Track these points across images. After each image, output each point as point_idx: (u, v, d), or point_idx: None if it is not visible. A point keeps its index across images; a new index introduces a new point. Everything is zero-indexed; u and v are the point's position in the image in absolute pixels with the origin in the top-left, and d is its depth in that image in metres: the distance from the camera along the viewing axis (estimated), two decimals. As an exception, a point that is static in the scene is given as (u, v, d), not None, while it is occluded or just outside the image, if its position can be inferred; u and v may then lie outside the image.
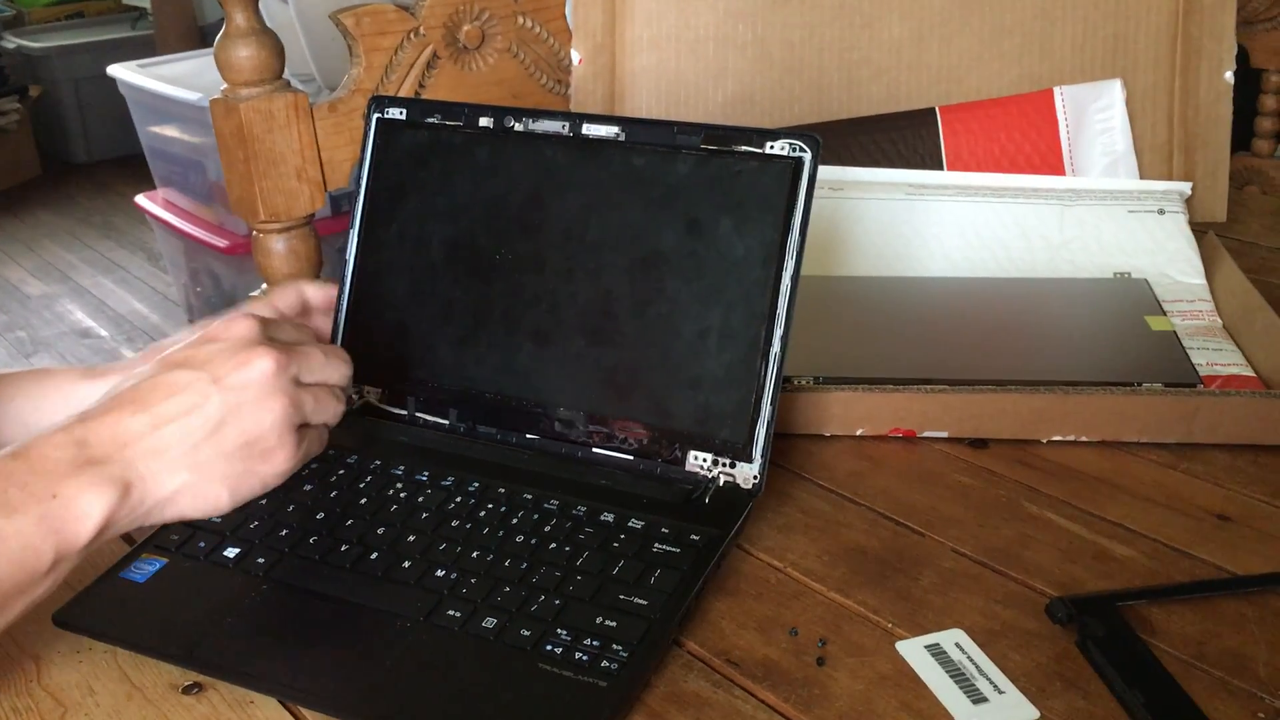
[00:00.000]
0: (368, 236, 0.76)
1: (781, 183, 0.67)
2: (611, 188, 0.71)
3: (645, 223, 0.70)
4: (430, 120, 0.75)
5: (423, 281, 0.75)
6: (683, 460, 0.68)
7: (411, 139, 0.76)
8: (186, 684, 0.57)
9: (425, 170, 0.75)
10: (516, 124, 0.73)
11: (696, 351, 0.68)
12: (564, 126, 0.72)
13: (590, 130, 0.71)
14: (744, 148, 0.68)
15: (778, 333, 0.66)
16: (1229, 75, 1.02)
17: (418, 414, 0.74)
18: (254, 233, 0.96)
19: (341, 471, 0.70)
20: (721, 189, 0.68)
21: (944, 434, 0.76)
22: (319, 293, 0.76)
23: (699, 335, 0.68)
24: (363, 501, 0.67)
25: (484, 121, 0.74)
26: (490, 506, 0.66)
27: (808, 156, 0.67)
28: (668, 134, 0.70)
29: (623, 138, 0.71)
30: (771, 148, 0.67)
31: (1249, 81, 1.19)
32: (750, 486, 0.66)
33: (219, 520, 0.66)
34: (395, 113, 0.76)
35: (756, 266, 0.67)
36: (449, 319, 0.74)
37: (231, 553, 0.64)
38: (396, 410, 0.75)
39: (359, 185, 0.77)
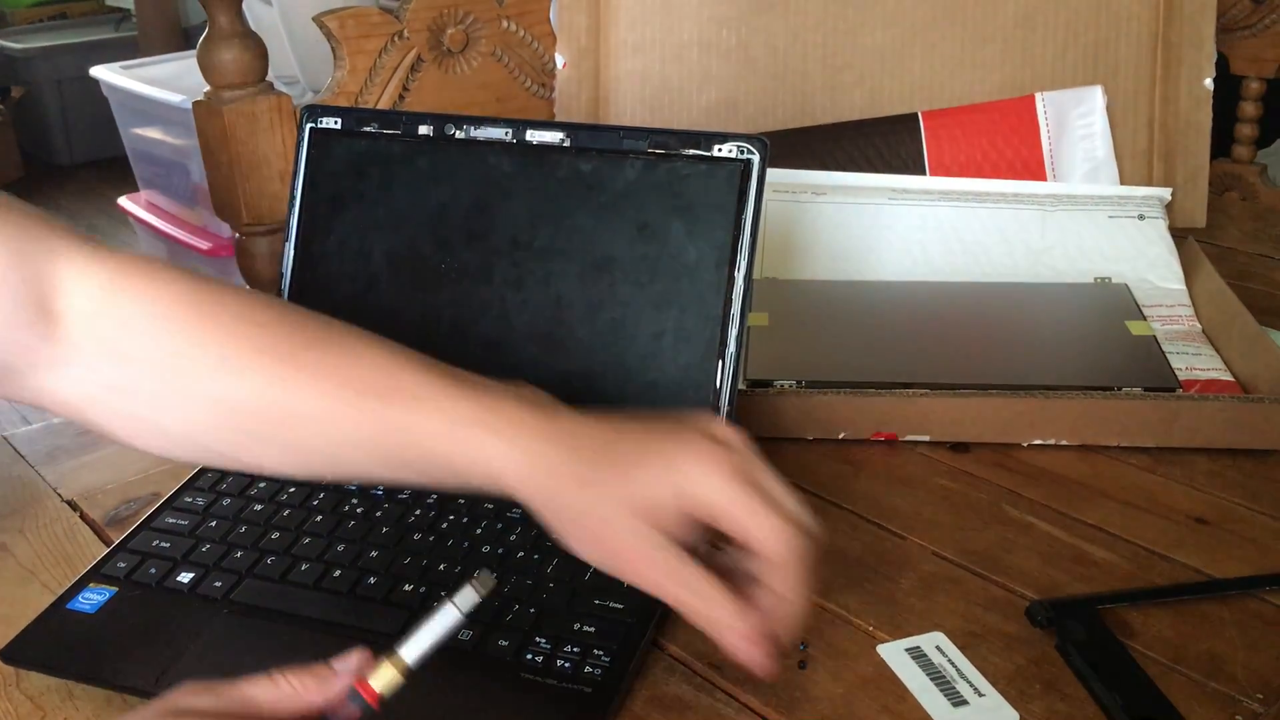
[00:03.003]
0: (305, 250, 0.74)
1: (731, 185, 0.67)
2: (559, 194, 0.70)
3: (595, 228, 0.69)
4: (367, 129, 0.74)
5: (365, 294, 0.73)
6: None
7: (348, 149, 0.74)
8: (167, 688, 0.57)
9: (364, 180, 0.74)
10: (458, 131, 0.72)
11: (652, 355, 0.68)
12: (507, 133, 0.71)
13: (534, 136, 0.71)
14: (692, 151, 0.68)
15: (733, 333, 0.66)
16: (1209, 82, 1.03)
17: None
18: (237, 236, 0.96)
19: (292, 489, 0.68)
20: (671, 193, 0.68)
21: (925, 438, 0.77)
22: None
23: (654, 339, 0.68)
24: (318, 519, 0.66)
25: (424, 130, 0.73)
26: (451, 518, 0.65)
27: (756, 159, 0.67)
28: (614, 139, 0.70)
29: (568, 144, 0.70)
30: (719, 151, 0.67)
31: (1229, 88, 1.20)
32: None
33: (167, 545, 0.65)
34: (329, 122, 0.74)
35: (709, 269, 0.67)
36: (394, 331, 0.71)
37: (185, 578, 0.62)
38: None
39: (292, 198, 0.75)
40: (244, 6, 0.90)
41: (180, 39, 3.66)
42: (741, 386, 0.74)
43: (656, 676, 0.57)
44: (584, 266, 0.69)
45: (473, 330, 0.71)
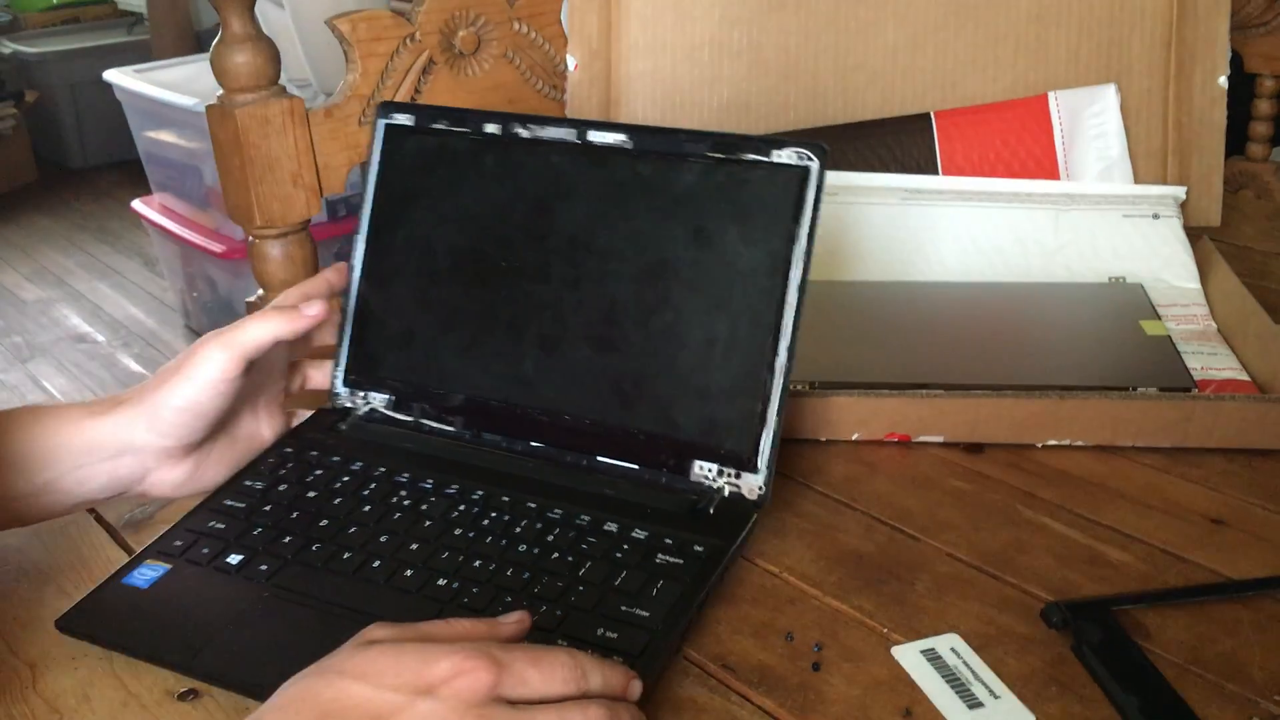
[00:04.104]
0: (374, 243, 0.76)
1: (789, 192, 0.67)
2: (618, 195, 0.70)
3: (652, 231, 0.69)
4: (437, 126, 0.75)
5: (429, 288, 0.75)
6: (688, 470, 0.68)
7: (418, 145, 0.76)
8: (182, 690, 0.57)
9: (432, 177, 0.75)
10: (523, 130, 0.73)
11: (702, 361, 0.68)
12: (571, 133, 0.72)
13: (597, 137, 0.71)
14: (751, 156, 0.68)
15: (784, 343, 0.66)
16: (1223, 80, 1.03)
17: (423, 421, 0.74)
18: (250, 238, 0.96)
19: (346, 478, 0.70)
20: (728, 198, 0.68)
21: (939, 438, 0.76)
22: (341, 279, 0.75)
23: (705, 345, 0.68)
24: (366, 509, 0.67)
25: (490, 128, 0.74)
26: (494, 515, 0.66)
27: (815, 165, 0.66)
28: (675, 142, 0.70)
29: (630, 145, 0.71)
30: (779, 156, 0.67)
31: (1243, 86, 1.19)
32: (755, 497, 0.66)
33: (222, 526, 0.66)
34: (403, 119, 0.76)
35: (763, 276, 0.67)
36: (455, 326, 0.74)
37: (234, 559, 0.64)
38: (403, 417, 0.75)
39: (366, 191, 0.76)
40: (256, 10, 0.91)
41: (193, 42, 3.67)
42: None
43: (670, 679, 0.57)
44: (640, 269, 0.69)
45: (529, 328, 0.72)
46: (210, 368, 0.65)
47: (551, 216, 0.72)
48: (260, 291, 0.97)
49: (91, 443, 0.64)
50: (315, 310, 0.68)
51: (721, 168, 0.68)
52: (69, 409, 0.65)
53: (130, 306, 3.04)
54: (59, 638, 0.61)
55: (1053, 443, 0.76)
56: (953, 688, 0.56)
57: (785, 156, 0.67)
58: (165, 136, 2.40)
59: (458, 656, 0.47)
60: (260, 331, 0.66)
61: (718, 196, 0.68)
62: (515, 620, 0.53)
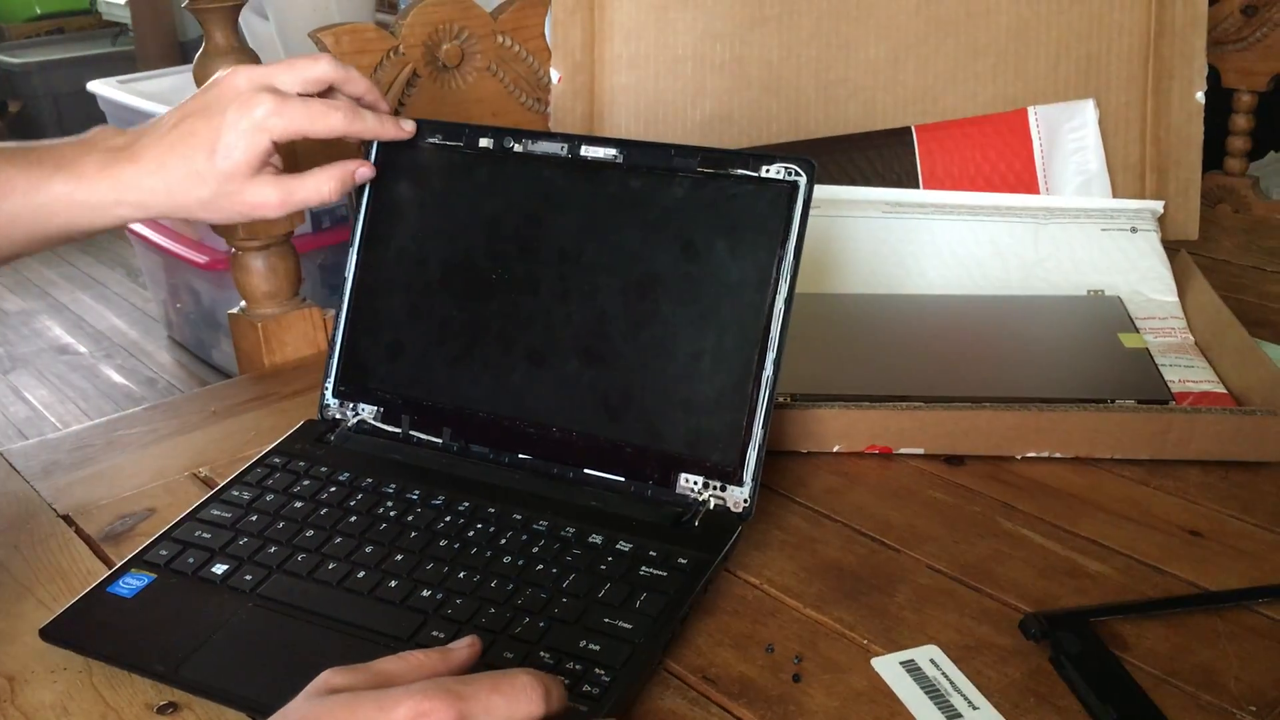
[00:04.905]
0: (367, 254, 0.77)
1: (777, 207, 0.67)
2: (608, 209, 0.71)
3: (641, 245, 0.70)
4: (431, 140, 0.76)
5: (420, 300, 0.75)
6: (673, 483, 0.68)
7: (412, 158, 0.76)
8: (162, 704, 0.57)
9: (425, 190, 0.76)
10: (516, 145, 0.74)
11: (689, 374, 0.68)
12: (562, 148, 0.73)
13: (588, 152, 0.72)
14: (740, 171, 0.68)
15: (770, 356, 0.66)
16: (1200, 95, 1.04)
17: (412, 432, 0.75)
18: (232, 250, 0.96)
19: (333, 489, 0.70)
20: (717, 212, 0.68)
21: (920, 451, 0.77)
22: (338, 72, 0.73)
23: (692, 358, 0.68)
24: (352, 520, 0.67)
25: (484, 142, 0.75)
26: (479, 526, 0.66)
27: (802, 181, 0.67)
28: (665, 156, 0.70)
29: (620, 160, 0.71)
30: (767, 172, 0.68)
31: (1220, 101, 1.20)
32: (740, 510, 0.66)
33: (208, 536, 0.66)
34: None
35: (750, 290, 0.67)
36: (445, 338, 0.74)
37: (219, 569, 0.64)
38: (391, 429, 0.75)
39: (359, 203, 0.77)
40: (240, 21, 0.91)
41: (177, 53, 3.67)
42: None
43: (651, 690, 0.57)
44: (628, 282, 0.70)
45: (518, 340, 0.72)
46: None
47: (542, 230, 0.72)
48: (243, 303, 0.97)
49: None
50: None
51: (711, 182, 0.69)
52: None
53: (113, 318, 3.03)
54: (38, 651, 0.61)
55: (1032, 455, 0.76)
56: (932, 699, 0.56)
57: (774, 172, 0.67)
58: (149, 147, 2.40)
59: (415, 699, 0.45)
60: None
61: (706, 211, 0.69)
62: (467, 645, 0.52)
